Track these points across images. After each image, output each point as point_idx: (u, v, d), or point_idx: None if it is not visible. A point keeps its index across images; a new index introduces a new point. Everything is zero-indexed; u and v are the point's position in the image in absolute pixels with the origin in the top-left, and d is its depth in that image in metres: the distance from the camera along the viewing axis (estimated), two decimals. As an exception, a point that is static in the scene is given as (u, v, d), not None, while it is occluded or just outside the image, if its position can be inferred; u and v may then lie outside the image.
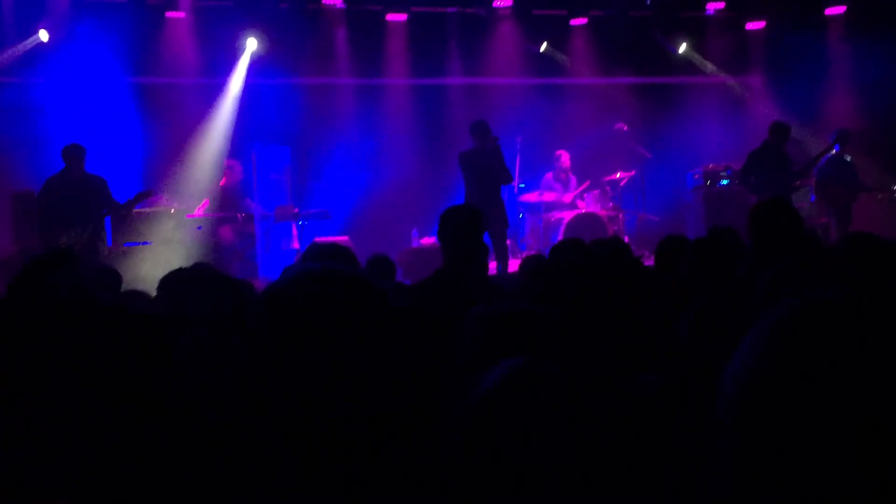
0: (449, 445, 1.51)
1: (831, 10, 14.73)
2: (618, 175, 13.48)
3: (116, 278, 5.02)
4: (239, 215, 11.95)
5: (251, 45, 13.27)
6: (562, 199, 13.19)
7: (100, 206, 9.58)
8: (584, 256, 4.70)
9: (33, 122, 11.97)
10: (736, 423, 0.97)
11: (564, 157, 13.39)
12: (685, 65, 15.10)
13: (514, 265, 10.93)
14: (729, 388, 0.99)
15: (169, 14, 12.93)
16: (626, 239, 12.11)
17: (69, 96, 12.34)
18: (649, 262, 6.72)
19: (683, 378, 2.31)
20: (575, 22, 14.53)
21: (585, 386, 2.05)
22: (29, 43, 12.29)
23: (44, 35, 12.29)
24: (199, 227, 11.93)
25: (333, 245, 4.24)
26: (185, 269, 3.89)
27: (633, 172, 13.55)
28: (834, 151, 11.61)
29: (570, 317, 3.53)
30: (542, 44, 14.63)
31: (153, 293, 3.99)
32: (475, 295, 4.21)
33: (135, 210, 9.98)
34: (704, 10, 14.73)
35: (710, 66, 15.21)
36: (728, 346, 2.16)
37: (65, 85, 12.38)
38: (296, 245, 12.13)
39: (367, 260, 6.05)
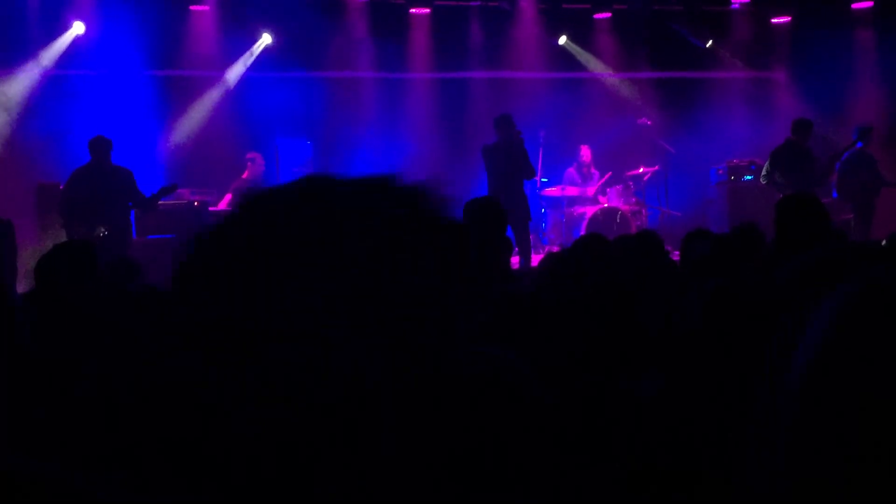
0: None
1: (858, 5, 14.61)
2: (641, 170, 13.44)
3: (134, 269, 5.02)
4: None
5: (264, 40, 13.34)
6: (584, 193, 13.16)
7: (126, 199, 9.62)
8: (605, 252, 4.68)
9: (57, 115, 12.04)
10: (797, 414, 0.94)
11: (584, 151, 13.38)
12: (709, 59, 15.01)
13: (536, 260, 10.92)
14: (792, 379, 0.96)
15: (193, 7, 12.97)
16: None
17: (93, 89, 12.39)
18: (673, 256, 6.70)
19: (688, 375, 2.29)
20: (599, 16, 14.47)
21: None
22: (68, 37, 12.33)
23: (80, 27, 12.33)
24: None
25: None
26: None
27: (656, 167, 13.52)
28: (857, 147, 11.50)
29: (585, 310, 3.51)
30: (560, 37, 14.57)
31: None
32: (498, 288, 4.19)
33: (159, 203, 10.01)
34: (729, 4, 14.64)
35: (735, 62, 15.11)
36: (745, 340, 2.15)
37: (89, 77, 12.43)
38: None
39: None
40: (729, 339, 2.10)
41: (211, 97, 13.46)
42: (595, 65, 14.85)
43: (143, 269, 5.28)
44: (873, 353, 0.89)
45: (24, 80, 12.18)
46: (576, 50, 14.73)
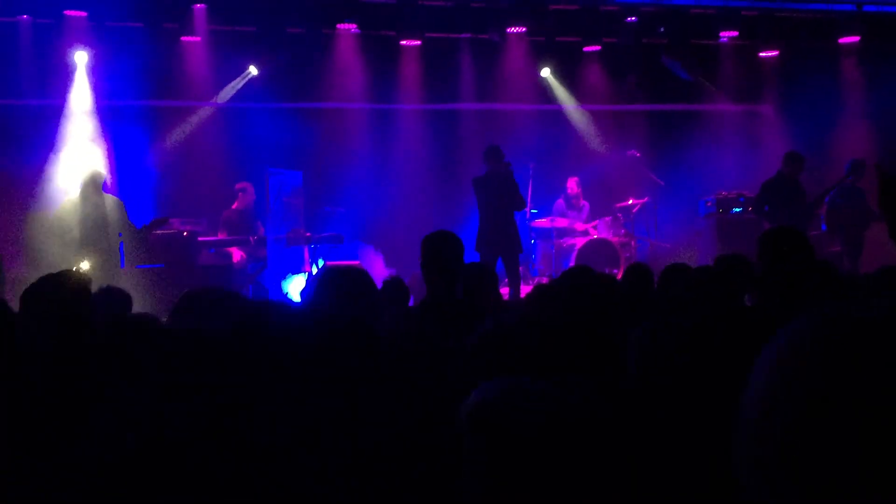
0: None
1: (845, 40, 14.74)
2: (630, 202, 13.50)
3: (126, 300, 5.02)
4: (252, 238, 12.00)
5: (250, 72, 13.39)
6: (574, 225, 13.21)
7: (117, 229, 9.61)
8: (592, 283, 4.68)
9: (49, 145, 12.03)
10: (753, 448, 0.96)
11: (571, 184, 13.44)
12: (697, 92, 15.11)
13: (527, 291, 10.93)
14: (748, 410, 0.98)
15: (184, 38, 13.01)
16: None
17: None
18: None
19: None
20: (588, 48, 14.56)
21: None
22: (74, 68, 12.34)
23: (81, 56, 12.33)
24: (212, 250, 11.97)
25: (350, 269, 4.19)
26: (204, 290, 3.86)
27: (645, 199, 13.58)
28: (847, 180, 11.56)
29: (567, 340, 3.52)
30: (543, 69, 14.64)
31: (164, 316, 3.98)
32: (461, 322, 4.19)
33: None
34: (717, 37, 14.75)
35: (723, 95, 15.21)
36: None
37: (80, 107, 12.44)
38: (308, 269, 12.16)
39: (383, 282, 6.10)
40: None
41: (202, 124, 13.52)
42: (568, 99, 14.89)
43: (131, 299, 5.27)
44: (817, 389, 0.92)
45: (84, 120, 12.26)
46: (554, 84, 14.79)
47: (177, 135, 13.36)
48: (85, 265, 9.25)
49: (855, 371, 0.91)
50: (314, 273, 11.75)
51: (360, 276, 3.91)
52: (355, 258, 12.72)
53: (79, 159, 11.69)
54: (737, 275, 4.44)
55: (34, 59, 12.31)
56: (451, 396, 2.54)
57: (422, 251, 4.80)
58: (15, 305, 8.24)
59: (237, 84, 13.51)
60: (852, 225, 11.47)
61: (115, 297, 4.71)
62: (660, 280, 5.47)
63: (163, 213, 10.11)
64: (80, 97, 12.34)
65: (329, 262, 11.89)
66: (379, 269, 12.39)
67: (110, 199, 9.68)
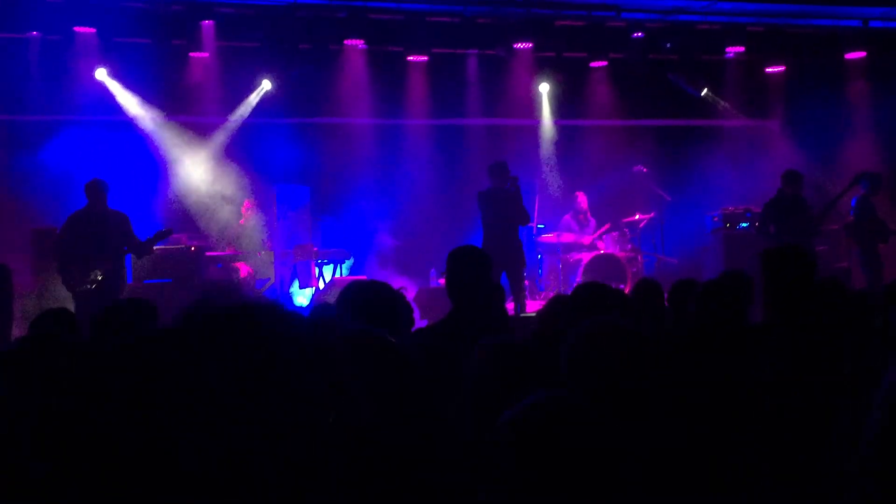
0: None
1: (851, 55, 14.74)
2: (637, 217, 13.51)
3: (153, 311, 4.93)
4: (259, 253, 12.03)
5: (264, 86, 13.36)
6: (580, 240, 13.21)
7: (121, 243, 9.62)
8: (605, 299, 4.68)
9: (56, 160, 12.08)
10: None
11: (581, 198, 13.45)
12: (704, 107, 15.12)
13: (532, 306, 10.92)
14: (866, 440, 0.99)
15: (193, 54, 13.04)
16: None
17: (92, 134, 12.43)
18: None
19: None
20: (595, 64, 14.59)
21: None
22: (101, 79, 12.47)
23: (100, 73, 12.42)
24: (220, 265, 11.99)
25: (374, 284, 4.12)
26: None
27: (652, 214, 13.57)
28: (862, 191, 11.49)
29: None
30: (541, 84, 14.64)
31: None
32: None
33: (155, 248, 10.01)
34: (724, 53, 14.76)
35: (729, 110, 15.20)
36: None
37: (87, 123, 12.48)
38: (315, 283, 12.18)
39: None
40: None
41: (210, 146, 13.48)
42: (591, 112, 14.90)
43: (157, 310, 5.19)
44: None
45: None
46: (543, 101, 14.80)
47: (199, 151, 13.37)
48: (91, 278, 9.27)
49: None
50: (321, 287, 11.77)
51: (385, 292, 3.86)
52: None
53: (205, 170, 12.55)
54: (741, 291, 4.44)
55: (43, 75, 12.35)
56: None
57: (449, 266, 4.72)
58: (20, 316, 8.25)
59: (253, 100, 13.47)
60: (871, 239, 11.40)
61: (140, 309, 4.63)
62: (670, 295, 5.46)
63: (167, 228, 10.09)
64: (139, 111, 12.67)
65: (336, 278, 11.90)
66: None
67: (115, 214, 9.68)
